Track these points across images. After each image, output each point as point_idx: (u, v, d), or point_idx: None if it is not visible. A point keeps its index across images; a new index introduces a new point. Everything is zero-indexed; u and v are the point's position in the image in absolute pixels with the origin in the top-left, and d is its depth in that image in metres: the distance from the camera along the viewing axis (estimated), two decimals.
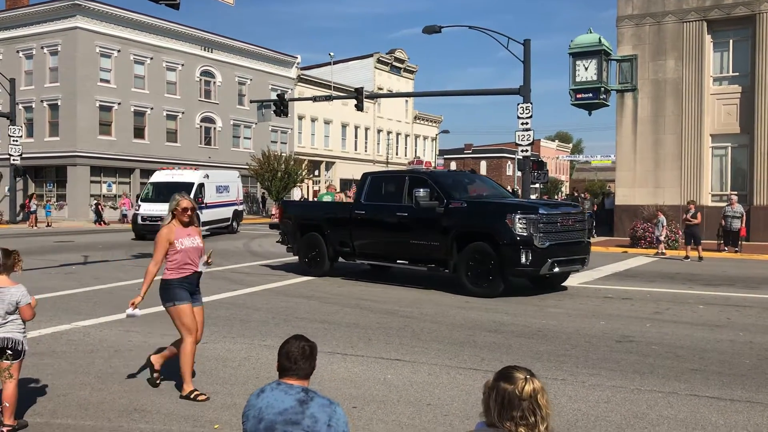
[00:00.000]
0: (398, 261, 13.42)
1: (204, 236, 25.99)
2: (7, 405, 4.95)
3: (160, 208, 26.50)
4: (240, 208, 33.21)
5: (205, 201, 28.55)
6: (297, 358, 3.22)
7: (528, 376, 2.74)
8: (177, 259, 6.06)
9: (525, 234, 11.55)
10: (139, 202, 28.60)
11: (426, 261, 12.79)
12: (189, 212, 6.22)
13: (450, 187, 13.01)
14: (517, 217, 11.61)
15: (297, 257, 15.65)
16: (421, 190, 12.50)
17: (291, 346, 3.27)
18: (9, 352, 4.98)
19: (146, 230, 26.48)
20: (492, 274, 11.79)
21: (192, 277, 6.14)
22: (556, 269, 11.96)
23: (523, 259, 11.51)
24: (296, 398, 3.12)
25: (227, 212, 31.03)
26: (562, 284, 13.23)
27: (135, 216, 27.88)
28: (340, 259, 14.89)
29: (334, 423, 3.08)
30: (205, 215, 28.16)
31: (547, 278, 12.66)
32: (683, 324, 9.56)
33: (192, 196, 27.48)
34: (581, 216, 13.07)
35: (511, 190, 15.35)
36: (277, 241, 16.56)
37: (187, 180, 28.64)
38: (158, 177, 29.97)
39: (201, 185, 28.76)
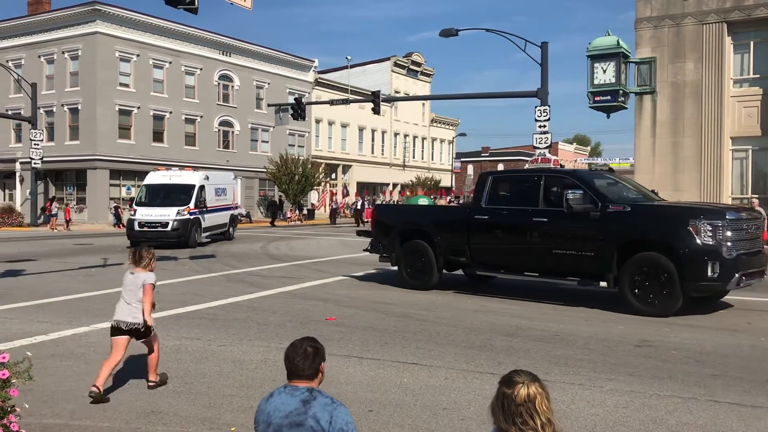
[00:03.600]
0: (526, 272, 11.97)
1: (203, 244, 24.66)
2: (153, 365, 6.42)
3: (159, 213, 24.31)
4: (236, 212, 31.08)
5: (206, 205, 26.30)
6: (299, 360, 3.23)
7: (526, 381, 2.73)
8: None
9: (711, 243, 10.03)
10: (135, 206, 25.91)
11: (573, 273, 11.28)
12: None
13: (602, 188, 11.44)
14: (703, 222, 10.11)
15: (365, 262, 14.36)
16: (571, 192, 10.97)
17: (294, 347, 3.28)
18: (134, 331, 6.26)
19: (144, 237, 23.76)
20: (667, 289, 10.21)
21: None
22: (742, 283, 10.36)
23: (710, 272, 9.97)
24: (300, 399, 3.12)
25: (225, 217, 28.74)
26: (721, 299, 11.65)
27: (131, 222, 24.95)
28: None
29: (335, 422, 3.06)
30: (207, 221, 26.18)
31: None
32: (703, 328, 9.45)
33: (193, 200, 24.87)
34: (762, 222, 11.70)
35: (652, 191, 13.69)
36: (365, 250, 15.15)
37: (186, 182, 26.09)
38: (153, 178, 27.02)
39: (201, 188, 26.16)
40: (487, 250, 12.40)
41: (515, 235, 11.98)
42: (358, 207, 45.47)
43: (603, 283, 10.93)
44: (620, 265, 10.60)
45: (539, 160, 26.30)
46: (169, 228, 24.15)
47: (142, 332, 6.27)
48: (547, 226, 11.45)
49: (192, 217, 24.83)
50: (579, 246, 11.07)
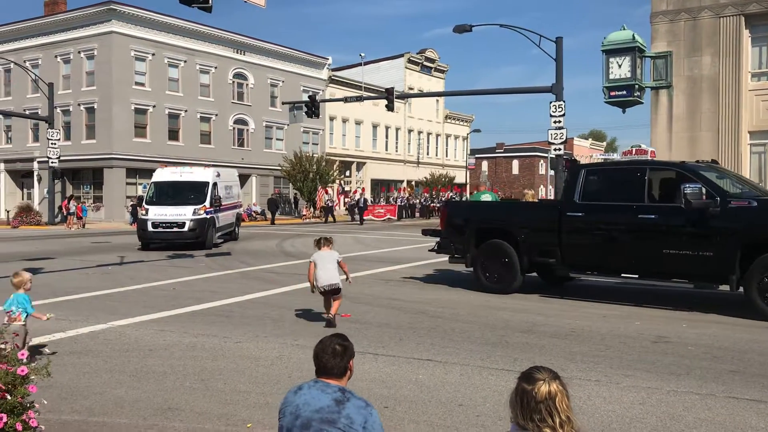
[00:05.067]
0: (624, 274, 11.19)
1: (217, 244, 24.07)
2: (336, 308, 9.27)
3: (174, 213, 22.69)
4: (240, 211, 30.02)
5: (221, 203, 24.73)
6: (327, 357, 3.24)
7: (548, 378, 2.70)
8: None
9: None
10: (146, 206, 23.78)
11: (686, 275, 10.50)
12: None
13: (718, 182, 10.49)
14: None
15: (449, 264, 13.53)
16: (689, 186, 10.00)
17: (323, 345, 3.29)
18: (335, 290, 9.20)
19: (158, 238, 22.73)
20: None
21: None
22: None
23: None
24: (333, 397, 3.13)
25: (232, 216, 27.14)
26: None
27: (143, 222, 22.89)
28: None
29: (369, 427, 3.08)
30: (220, 220, 24.61)
31: None
32: (721, 324, 9.37)
33: (208, 198, 23.33)
34: None
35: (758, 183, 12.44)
36: (430, 250, 14.34)
37: (199, 179, 24.42)
38: (162, 176, 25.21)
39: (215, 185, 24.44)
40: (581, 250, 11.45)
41: (617, 234, 11.11)
42: (361, 205, 45.11)
43: (724, 286, 10.25)
44: (744, 265, 9.75)
45: (634, 152, 24.22)
46: (185, 228, 22.50)
47: (337, 290, 9.19)
48: (656, 223, 10.53)
49: (208, 216, 23.18)
50: (695, 245, 10.14)
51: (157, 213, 22.85)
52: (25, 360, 4.18)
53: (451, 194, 60.12)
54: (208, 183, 24.20)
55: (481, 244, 12.64)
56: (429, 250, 14.61)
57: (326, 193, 48.27)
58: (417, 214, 54.07)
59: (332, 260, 9.19)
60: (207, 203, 23.41)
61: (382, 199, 55.77)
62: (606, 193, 11.41)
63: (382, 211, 48.82)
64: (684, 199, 10.05)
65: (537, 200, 15.76)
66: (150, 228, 22.57)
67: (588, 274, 12.14)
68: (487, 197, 15.35)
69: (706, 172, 10.69)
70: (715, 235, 10.00)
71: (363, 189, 54.94)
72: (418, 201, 56.51)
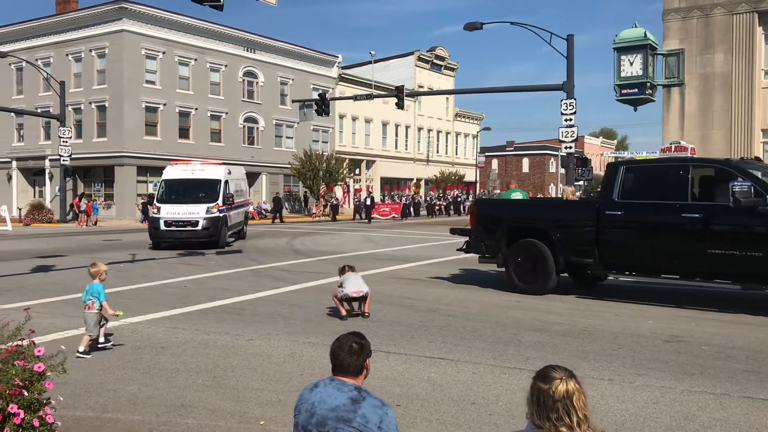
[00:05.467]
0: (664, 275, 10.99)
1: (229, 243, 24.00)
2: (368, 305, 9.80)
3: (187, 211, 22.23)
4: (249, 209, 29.59)
5: (234, 201, 24.34)
6: (344, 355, 3.24)
7: (564, 377, 2.69)
8: None
9: None
10: (157, 204, 23.27)
11: (732, 276, 10.25)
12: None
13: (766, 180, 10.08)
14: None
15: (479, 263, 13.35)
16: (738, 184, 9.65)
17: (340, 342, 3.29)
18: (363, 297, 9.76)
19: (171, 237, 22.31)
20: None
21: None
22: None
23: None
24: (349, 396, 3.13)
25: (242, 215, 26.82)
26: None
27: (155, 220, 22.47)
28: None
29: (385, 426, 3.07)
30: (231, 218, 24.13)
31: None
32: (734, 324, 9.31)
33: (221, 196, 22.86)
34: None
35: None
36: (459, 249, 13.94)
37: (211, 176, 23.92)
38: (172, 173, 24.53)
39: (226, 183, 23.96)
40: (620, 250, 11.10)
41: (659, 234, 10.72)
42: (368, 203, 44.96)
43: None
44: None
45: (673, 149, 23.62)
46: (199, 227, 22.02)
47: (365, 297, 9.71)
48: (701, 223, 10.18)
49: (221, 215, 22.70)
50: (743, 245, 9.84)
51: (169, 211, 22.36)
52: (42, 354, 4.20)
53: (456, 192, 60.03)
54: (220, 181, 23.74)
55: (514, 243, 12.28)
56: (457, 249, 14.24)
57: (331, 190, 48.30)
58: (424, 212, 54.08)
59: (359, 277, 9.87)
60: (219, 201, 22.92)
61: (387, 198, 55.74)
62: (646, 192, 11.02)
63: (387, 210, 48.79)
64: (732, 198, 9.73)
65: (577, 198, 15.29)
66: (162, 227, 22.17)
67: (626, 275, 11.83)
68: (517, 195, 14.78)
69: (752, 170, 10.34)
70: (764, 235, 9.69)
71: (369, 187, 54.88)
72: (424, 199, 56.50)
